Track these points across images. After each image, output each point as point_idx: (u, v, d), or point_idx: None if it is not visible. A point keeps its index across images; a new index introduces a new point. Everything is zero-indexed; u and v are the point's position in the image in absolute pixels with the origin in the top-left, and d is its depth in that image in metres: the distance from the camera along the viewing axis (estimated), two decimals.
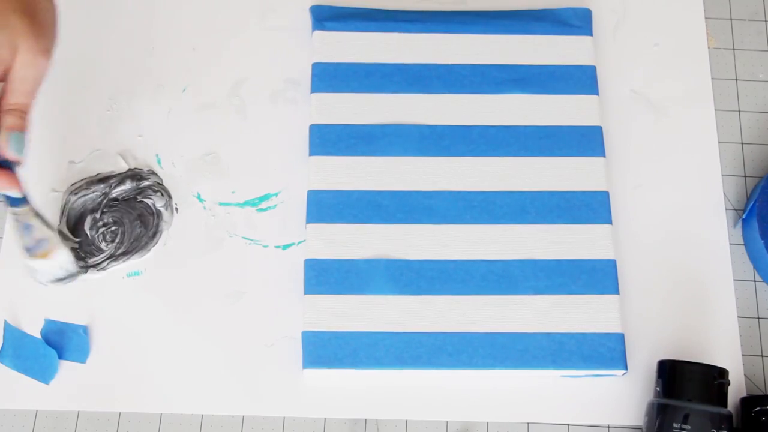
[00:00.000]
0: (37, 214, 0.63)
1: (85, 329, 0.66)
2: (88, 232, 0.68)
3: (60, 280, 0.66)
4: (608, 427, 0.65)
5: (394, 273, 0.66)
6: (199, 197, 0.70)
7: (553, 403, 0.65)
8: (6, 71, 0.56)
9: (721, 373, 0.61)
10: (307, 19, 0.75)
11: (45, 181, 0.70)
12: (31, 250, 0.63)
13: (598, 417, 0.65)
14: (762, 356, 0.67)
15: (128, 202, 0.69)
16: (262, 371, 0.65)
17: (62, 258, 0.65)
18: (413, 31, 0.74)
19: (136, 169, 0.70)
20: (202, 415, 0.64)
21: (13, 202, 0.61)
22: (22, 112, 0.57)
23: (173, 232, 0.69)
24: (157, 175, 0.71)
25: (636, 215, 0.70)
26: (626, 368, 0.64)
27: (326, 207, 0.68)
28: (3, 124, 0.56)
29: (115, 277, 0.68)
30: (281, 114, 0.73)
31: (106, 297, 0.67)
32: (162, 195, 0.69)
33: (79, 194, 0.69)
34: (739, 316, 0.68)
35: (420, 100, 0.71)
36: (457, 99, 0.72)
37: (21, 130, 0.57)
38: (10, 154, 0.57)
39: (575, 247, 0.67)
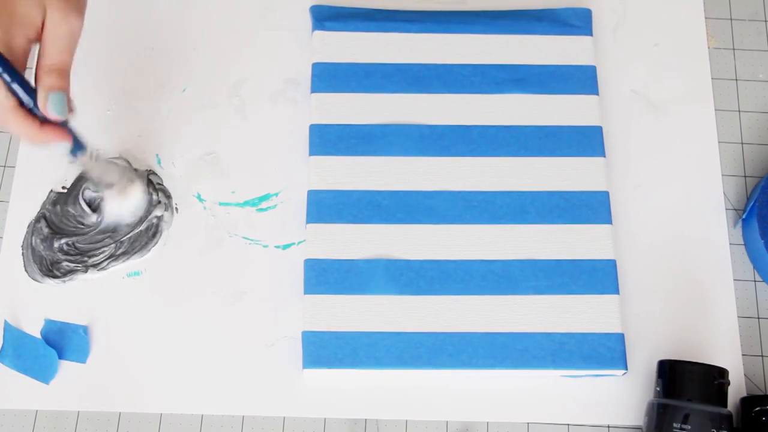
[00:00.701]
0: (100, 159, 0.63)
1: (85, 329, 0.66)
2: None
3: (135, 220, 0.68)
4: (608, 427, 0.65)
5: (394, 273, 0.66)
6: (199, 197, 0.70)
7: (553, 403, 0.65)
8: (38, 32, 0.56)
9: (721, 373, 0.61)
10: (307, 19, 0.75)
11: (45, 181, 0.70)
12: (108, 191, 0.65)
13: (598, 417, 0.65)
14: (762, 356, 0.67)
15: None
16: (262, 371, 0.65)
17: (135, 195, 0.67)
18: (413, 31, 0.74)
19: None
20: (202, 415, 0.64)
21: (73, 151, 0.60)
22: (61, 71, 0.56)
23: (173, 232, 0.69)
24: (157, 175, 0.71)
25: (636, 215, 0.70)
26: (626, 368, 0.64)
27: (326, 207, 0.68)
28: (43, 85, 0.56)
29: (115, 277, 0.68)
30: (281, 114, 0.73)
31: (106, 297, 0.67)
32: (162, 205, 0.69)
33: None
34: (739, 316, 0.68)
35: (420, 100, 0.71)
36: (457, 99, 0.72)
37: (61, 89, 0.56)
38: (51, 115, 0.56)
39: (575, 247, 0.67)
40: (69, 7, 0.57)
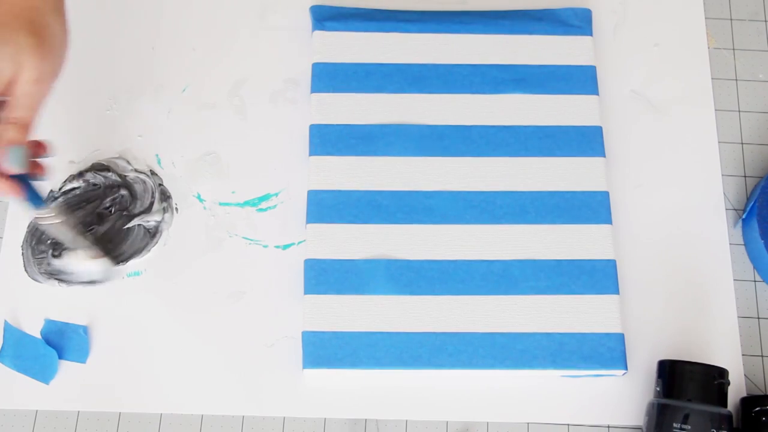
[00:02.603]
0: (59, 218, 0.63)
1: (85, 329, 0.66)
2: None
3: (95, 281, 0.67)
4: (608, 427, 0.65)
5: (394, 273, 0.66)
6: (199, 197, 0.70)
7: (553, 403, 0.65)
8: (8, 86, 0.56)
9: (721, 373, 0.61)
10: (307, 19, 0.75)
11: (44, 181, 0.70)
12: (59, 250, 0.64)
13: (598, 417, 0.65)
14: (762, 356, 0.67)
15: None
16: (262, 371, 0.65)
17: (85, 263, 0.65)
18: (413, 31, 0.74)
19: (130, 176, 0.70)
20: (202, 415, 0.64)
21: (30, 205, 0.60)
22: (23, 126, 0.57)
23: (173, 232, 0.69)
24: (157, 175, 0.71)
25: (636, 215, 0.70)
26: (626, 368, 0.64)
27: (326, 207, 0.68)
28: (3, 137, 0.56)
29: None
30: (281, 114, 0.73)
31: (106, 297, 0.67)
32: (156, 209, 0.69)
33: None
34: (739, 316, 0.68)
35: (420, 100, 0.71)
36: (457, 99, 0.72)
37: (20, 143, 0.57)
38: (9, 167, 0.57)
39: (575, 247, 0.67)
40: (45, 71, 0.57)
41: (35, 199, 0.60)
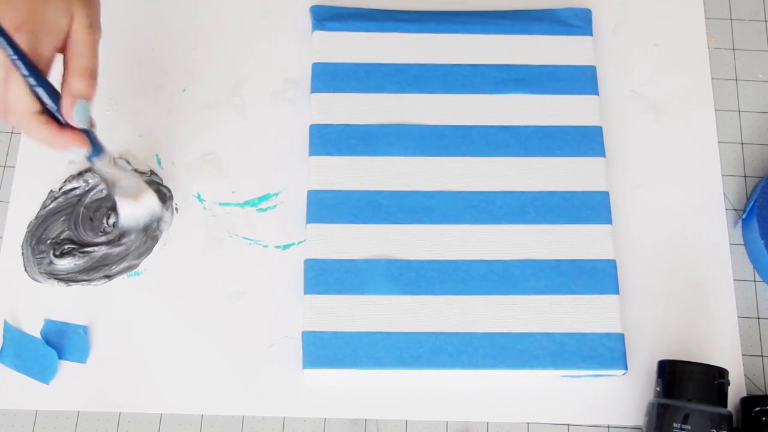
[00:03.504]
0: (117, 164, 0.63)
1: (85, 329, 0.66)
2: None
3: (148, 226, 0.68)
4: (608, 427, 0.65)
5: (394, 273, 0.66)
6: (199, 197, 0.70)
7: (553, 403, 0.65)
8: (64, 40, 0.56)
9: (721, 373, 0.61)
10: (307, 19, 0.75)
11: (45, 181, 0.70)
12: (122, 195, 0.64)
13: (598, 417, 0.65)
14: (762, 356, 0.67)
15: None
16: (262, 371, 0.65)
17: (148, 201, 0.65)
18: (413, 31, 0.74)
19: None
20: (202, 415, 0.64)
21: (90, 156, 0.60)
22: (92, 76, 0.57)
23: (173, 232, 0.69)
24: (157, 175, 0.71)
25: (636, 215, 0.70)
26: (626, 368, 0.64)
27: (326, 207, 0.68)
28: (71, 89, 0.56)
29: (115, 277, 0.68)
30: (281, 114, 0.73)
31: (106, 297, 0.67)
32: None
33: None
34: (739, 316, 0.68)
35: (420, 100, 0.71)
36: (457, 99, 0.72)
37: (87, 97, 0.56)
38: (75, 122, 0.57)
39: (575, 247, 0.67)
40: (95, 16, 0.57)
41: (98, 149, 0.60)
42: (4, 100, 0.55)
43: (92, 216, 0.69)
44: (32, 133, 0.57)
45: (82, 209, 0.69)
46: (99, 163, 0.61)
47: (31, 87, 0.55)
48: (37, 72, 0.55)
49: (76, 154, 0.59)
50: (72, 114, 0.56)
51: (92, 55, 0.57)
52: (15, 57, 0.54)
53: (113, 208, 0.68)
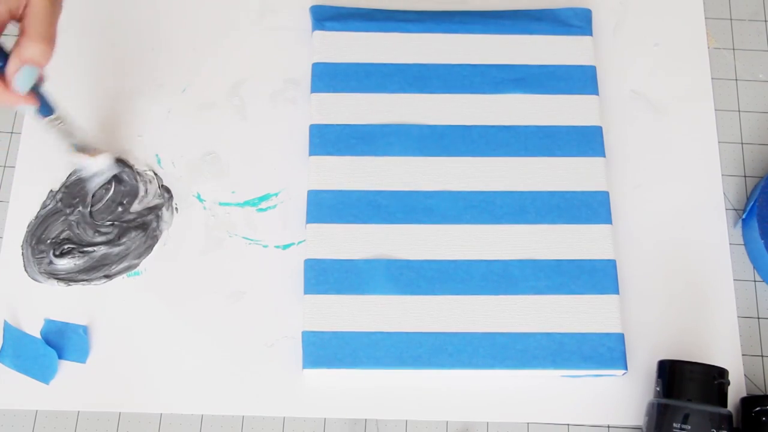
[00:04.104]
0: (67, 122, 0.65)
1: (85, 329, 0.66)
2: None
3: (103, 180, 0.70)
4: (608, 427, 0.65)
5: (394, 273, 0.66)
6: (199, 197, 0.70)
7: (553, 403, 0.65)
8: (20, 9, 0.56)
9: (721, 373, 0.61)
10: (307, 19, 0.75)
11: (45, 181, 0.70)
12: (77, 151, 0.67)
13: (598, 417, 0.65)
14: (762, 356, 0.67)
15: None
16: (262, 371, 0.65)
17: (104, 158, 0.69)
18: (413, 31, 0.74)
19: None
20: (202, 415, 0.64)
21: (41, 112, 0.61)
22: (46, 44, 0.56)
23: (173, 232, 0.69)
24: (157, 175, 0.71)
25: (636, 215, 0.70)
26: (626, 368, 0.64)
27: (326, 207, 0.68)
28: (21, 53, 0.56)
29: (115, 277, 0.68)
30: (281, 114, 0.73)
31: (106, 297, 0.67)
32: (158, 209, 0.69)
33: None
34: (739, 316, 0.68)
35: (420, 100, 0.71)
36: (457, 99, 0.72)
37: (38, 64, 0.56)
38: (15, 86, 0.56)
39: (575, 247, 0.67)
40: None
41: (47, 107, 0.61)
42: None
43: (93, 213, 0.69)
44: None
45: (84, 208, 0.69)
46: (50, 120, 0.62)
47: None
48: None
49: (27, 110, 0.60)
50: (15, 78, 0.56)
51: (49, 24, 0.56)
52: None
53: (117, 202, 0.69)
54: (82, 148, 0.67)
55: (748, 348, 0.67)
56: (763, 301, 0.68)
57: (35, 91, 0.59)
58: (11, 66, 0.56)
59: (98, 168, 0.69)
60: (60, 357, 0.65)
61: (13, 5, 0.56)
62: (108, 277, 0.68)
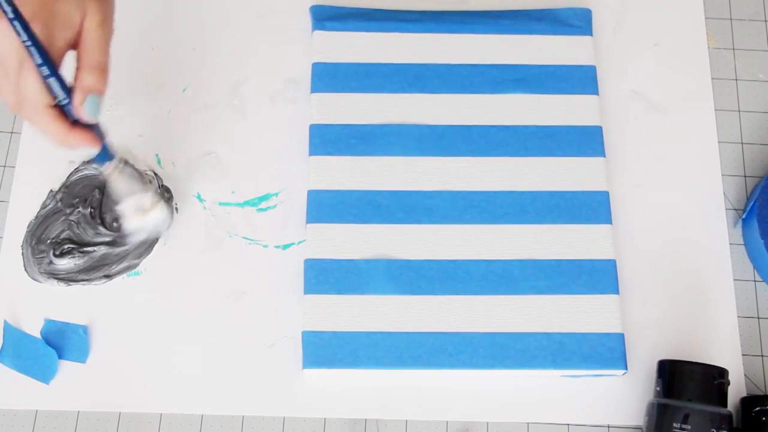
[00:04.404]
0: (126, 171, 0.63)
1: (85, 329, 0.66)
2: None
3: (152, 241, 0.68)
4: (608, 427, 0.65)
5: (394, 273, 0.66)
6: (199, 197, 0.70)
7: (553, 403, 0.65)
8: (76, 35, 0.56)
9: (721, 373, 0.61)
10: (307, 19, 0.75)
11: (44, 181, 0.70)
12: (128, 207, 0.64)
13: (598, 417, 0.65)
14: (762, 356, 0.67)
15: None
16: (262, 371, 0.65)
17: (156, 215, 0.65)
18: (413, 31, 0.74)
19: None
20: (202, 415, 0.64)
21: (99, 159, 0.61)
22: (102, 71, 0.57)
23: (173, 231, 0.69)
24: (157, 175, 0.71)
25: (636, 215, 0.70)
26: (626, 368, 0.64)
27: (326, 207, 0.68)
28: (82, 83, 0.56)
29: (115, 277, 0.68)
30: (281, 114, 0.73)
31: (106, 297, 0.67)
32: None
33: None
34: (739, 316, 0.68)
35: (420, 100, 0.71)
36: (457, 99, 0.72)
37: (99, 92, 0.57)
38: (84, 116, 0.57)
39: (575, 247, 0.67)
40: (108, 12, 0.57)
41: (107, 151, 0.60)
42: (17, 91, 0.55)
43: (93, 213, 0.69)
44: (43, 127, 0.57)
45: (84, 208, 0.69)
46: (108, 168, 0.61)
47: (43, 78, 0.55)
48: (50, 62, 0.55)
49: (88, 153, 0.59)
50: (83, 108, 0.56)
51: (104, 51, 0.57)
52: (30, 44, 0.54)
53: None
54: (139, 206, 0.64)
55: (748, 348, 0.67)
56: (763, 301, 0.68)
57: (96, 134, 0.59)
58: (77, 98, 0.56)
59: (151, 228, 0.66)
60: (60, 357, 0.65)
61: (69, 35, 0.56)
62: (108, 277, 0.68)
